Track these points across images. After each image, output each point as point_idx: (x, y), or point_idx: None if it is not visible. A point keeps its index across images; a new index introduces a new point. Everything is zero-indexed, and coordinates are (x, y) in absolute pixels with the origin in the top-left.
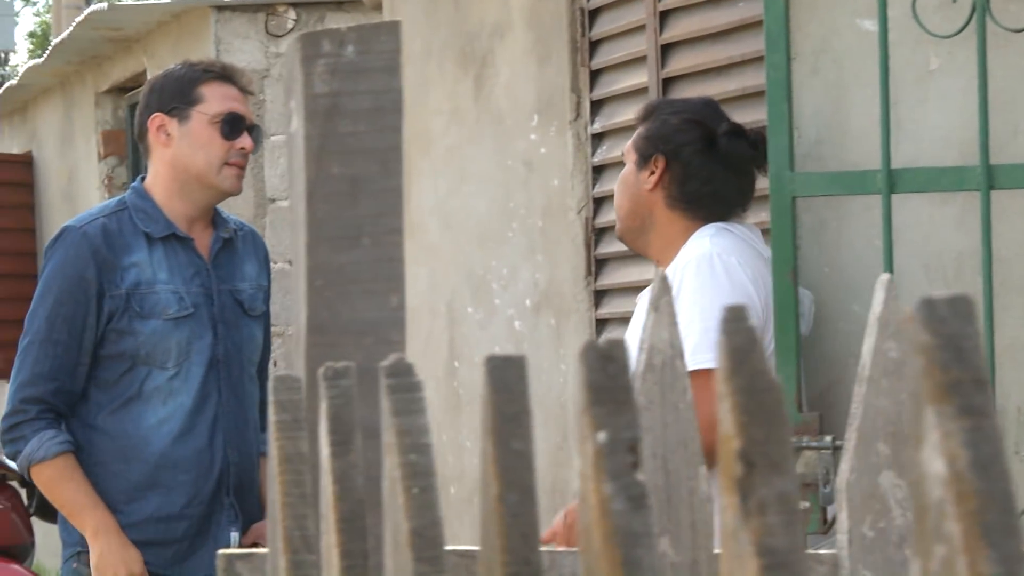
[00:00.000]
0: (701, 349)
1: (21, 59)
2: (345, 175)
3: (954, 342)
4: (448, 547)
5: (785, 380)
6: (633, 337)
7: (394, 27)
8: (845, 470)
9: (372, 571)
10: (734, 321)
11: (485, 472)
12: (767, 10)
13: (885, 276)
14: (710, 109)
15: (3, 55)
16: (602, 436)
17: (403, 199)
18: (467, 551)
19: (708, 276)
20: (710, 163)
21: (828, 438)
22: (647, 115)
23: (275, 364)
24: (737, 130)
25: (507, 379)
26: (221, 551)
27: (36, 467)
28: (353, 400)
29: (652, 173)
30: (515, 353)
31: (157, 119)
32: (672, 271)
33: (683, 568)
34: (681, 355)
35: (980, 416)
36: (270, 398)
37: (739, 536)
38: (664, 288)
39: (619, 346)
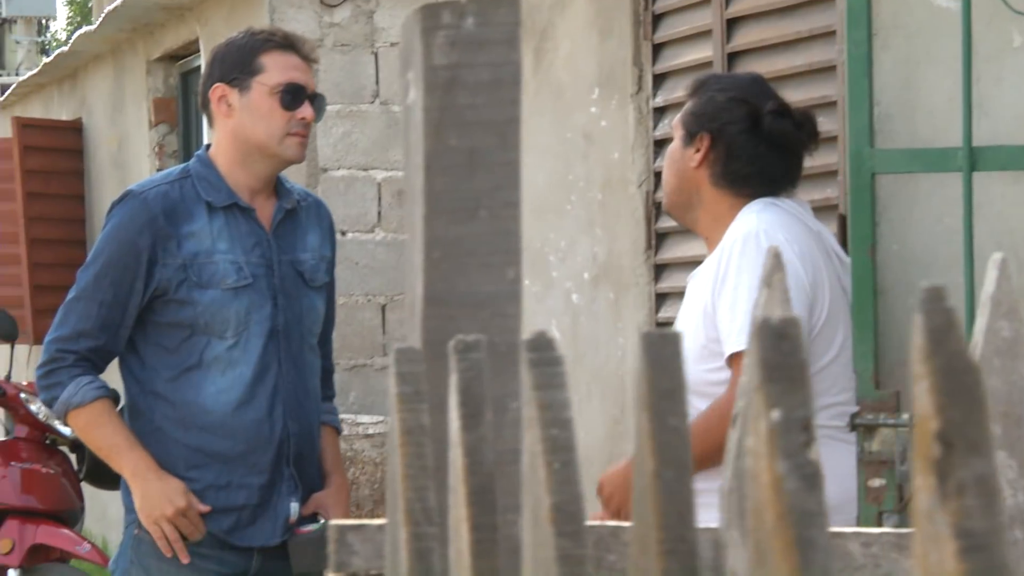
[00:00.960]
0: (744, 331)
1: (60, 25)
2: (463, 147)
3: None
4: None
5: (863, 357)
6: (686, 318)
7: (514, 0)
8: None
9: (501, 544)
10: (932, 301)
11: (640, 448)
12: None
13: (997, 256)
14: (757, 87)
15: (44, 22)
16: (776, 414)
17: (520, 172)
18: (591, 526)
19: (754, 255)
20: (754, 142)
21: (905, 415)
22: (695, 90)
23: None
24: (783, 109)
25: (663, 355)
26: (332, 522)
27: (73, 412)
28: (483, 373)
29: (697, 151)
30: (670, 331)
31: (218, 90)
32: (720, 249)
33: None
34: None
35: None
36: (391, 369)
37: (935, 518)
38: (777, 265)
39: (793, 323)
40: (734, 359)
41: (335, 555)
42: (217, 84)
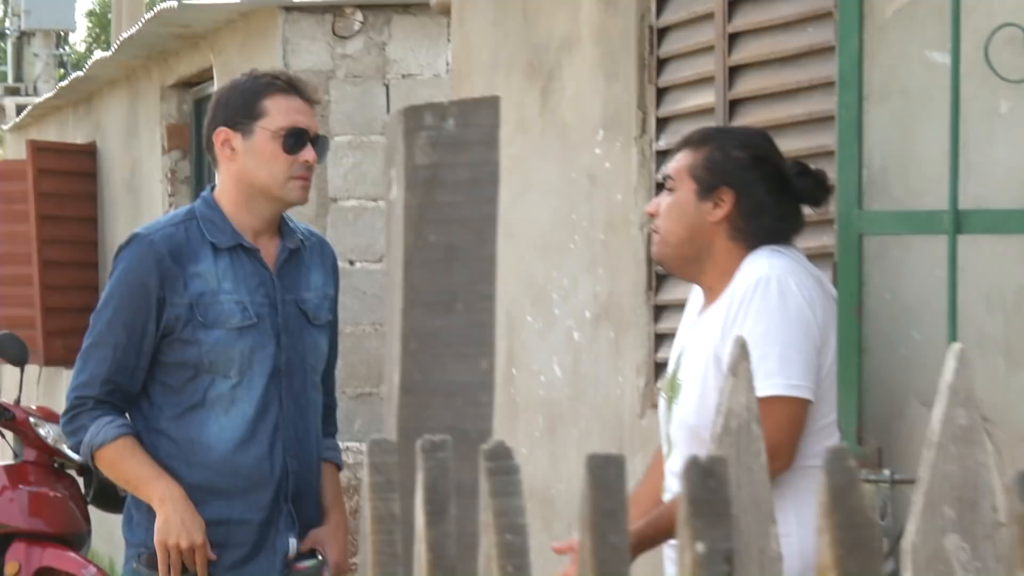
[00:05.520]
0: (760, 376)
1: (79, 37)
2: (441, 243)
3: None
4: None
5: (846, 414)
6: (691, 366)
7: (493, 102)
8: (911, 532)
9: None
10: (836, 460)
11: (583, 563)
12: (841, 50)
13: (956, 346)
14: (770, 144)
15: (63, 35)
16: (700, 547)
17: (496, 267)
18: None
19: (768, 300)
20: (781, 200)
21: (887, 472)
22: (702, 143)
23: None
24: (805, 168)
25: (606, 476)
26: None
27: (98, 452)
28: (449, 472)
29: (717, 206)
30: (615, 452)
31: (222, 134)
32: (729, 296)
33: None
34: (757, 419)
35: None
36: (366, 460)
37: None
38: (743, 354)
39: (720, 462)
40: None
41: None
42: (221, 128)
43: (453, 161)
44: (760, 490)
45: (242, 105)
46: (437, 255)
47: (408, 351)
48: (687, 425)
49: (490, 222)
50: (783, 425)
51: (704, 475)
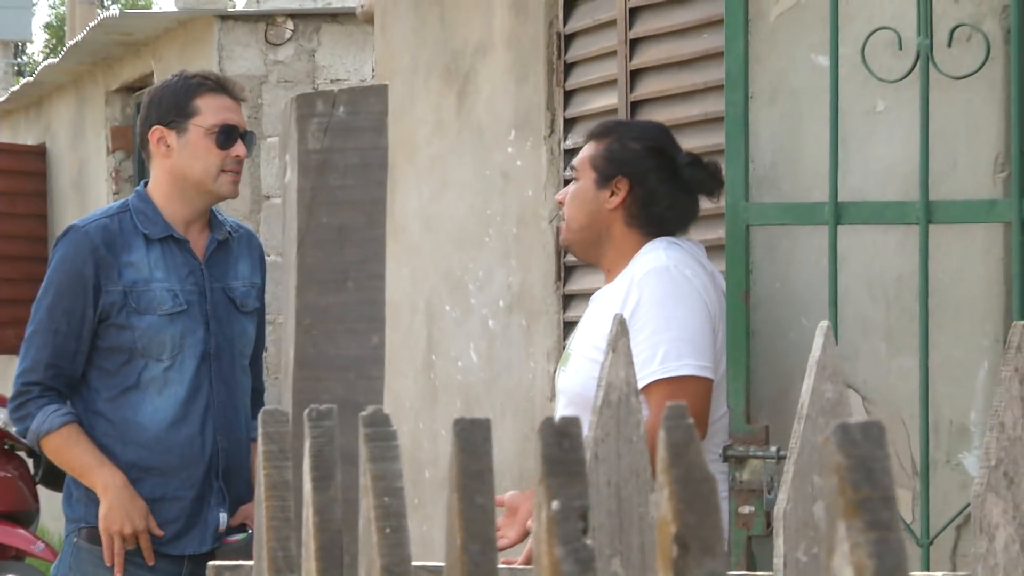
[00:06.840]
0: (672, 357)
1: (37, 48)
2: (333, 224)
3: (865, 463)
4: (417, 563)
5: (735, 394)
6: (586, 336)
7: (382, 90)
8: (783, 500)
9: None
10: (674, 418)
11: (451, 523)
12: (728, 52)
13: (824, 323)
14: (666, 136)
15: (20, 45)
16: (555, 504)
17: (386, 246)
18: (436, 567)
19: (670, 286)
20: (674, 189)
21: (773, 448)
22: (602, 135)
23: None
24: (696, 159)
25: (473, 440)
26: (211, 563)
27: (44, 439)
28: (334, 439)
29: (613, 194)
30: (481, 416)
31: (157, 131)
32: (627, 280)
33: None
34: (636, 392)
35: (885, 530)
36: (259, 430)
37: None
38: (622, 331)
39: (574, 423)
40: (651, 387)
41: None
42: (155, 126)
43: (344, 146)
44: (639, 459)
45: (175, 104)
46: (329, 236)
47: (302, 327)
48: (573, 392)
49: (379, 204)
50: (698, 402)
51: (559, 435)
